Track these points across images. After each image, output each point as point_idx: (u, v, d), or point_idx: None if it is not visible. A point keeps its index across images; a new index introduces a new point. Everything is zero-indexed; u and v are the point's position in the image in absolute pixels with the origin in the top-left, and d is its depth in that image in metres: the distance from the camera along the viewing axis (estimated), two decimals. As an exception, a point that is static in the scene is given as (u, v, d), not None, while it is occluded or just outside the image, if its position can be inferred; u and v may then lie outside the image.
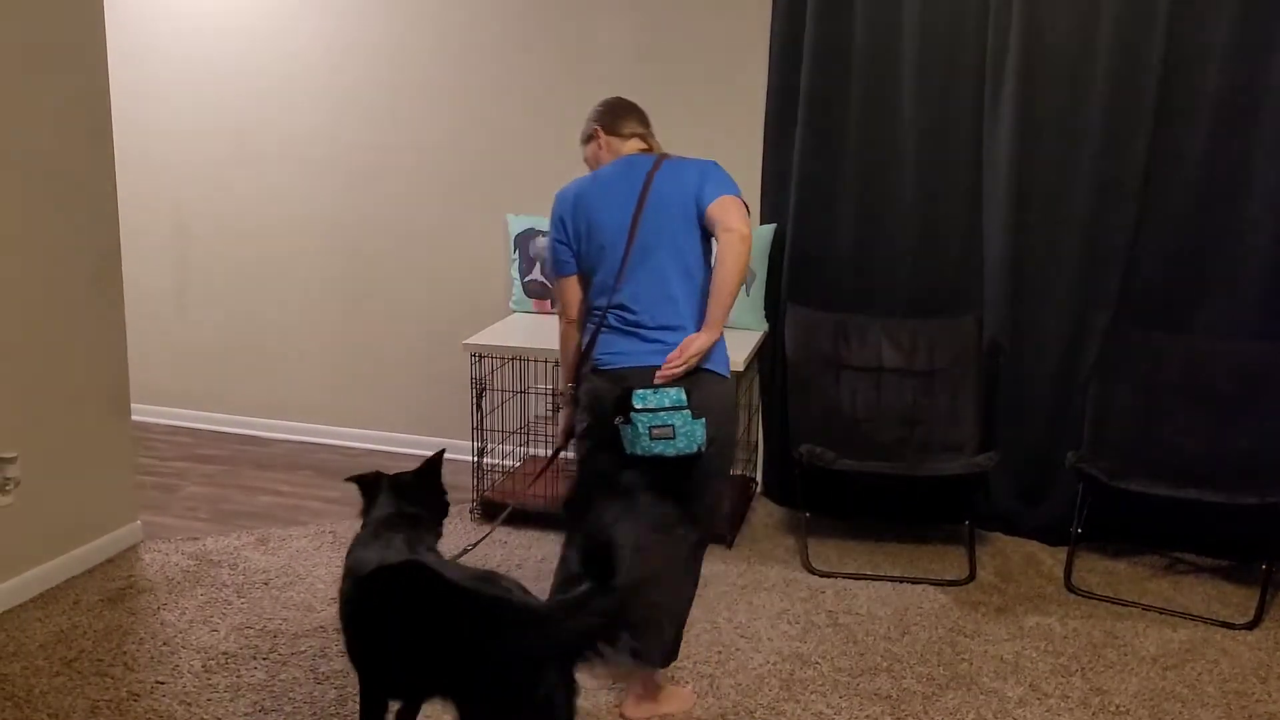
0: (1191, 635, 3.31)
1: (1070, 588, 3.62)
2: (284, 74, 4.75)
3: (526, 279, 4.40)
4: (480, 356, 4.02)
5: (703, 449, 2.62)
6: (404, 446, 4.83)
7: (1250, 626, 3.36)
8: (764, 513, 4.26)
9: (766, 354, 4.26)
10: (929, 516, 4.07)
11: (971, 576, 3.69)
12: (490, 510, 4.08)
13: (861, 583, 3.66)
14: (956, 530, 3.95)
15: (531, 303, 4.42)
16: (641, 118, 2.91)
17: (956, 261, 4.04)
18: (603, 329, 2.73)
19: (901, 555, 3.86)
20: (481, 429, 4.07)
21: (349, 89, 4.68)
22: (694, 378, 2.64)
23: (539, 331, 4.16)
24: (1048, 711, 2.87)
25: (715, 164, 2.80)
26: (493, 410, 4.21)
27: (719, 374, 2.72)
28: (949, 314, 4.05)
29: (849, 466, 3.69)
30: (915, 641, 3.25)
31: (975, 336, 3.99)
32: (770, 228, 4.18)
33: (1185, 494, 3.45)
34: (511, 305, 4.47)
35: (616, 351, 2.71)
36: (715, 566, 3.74)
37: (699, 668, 3.07)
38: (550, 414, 4.59)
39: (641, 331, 2.69)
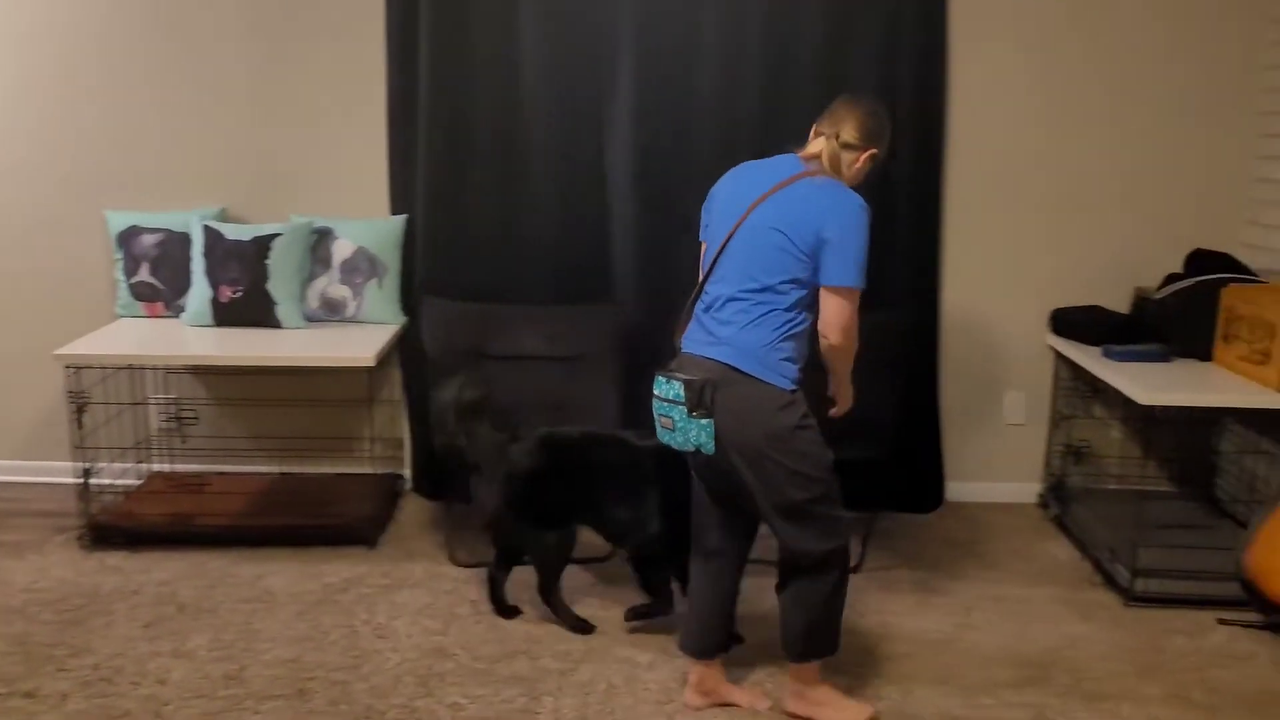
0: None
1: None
2: None
3: (133, 280, 4.06)
4: (79, 368, 3.66)
5: (703, 450, 2.59)
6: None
7: (856, 569, 3.69)
8: (413, 509, 4.20)
9: (407, 348, 4.19)
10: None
11: (613, 552, 3.81)
12: (102, 535, 3.73)
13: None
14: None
15: (141, 306, 4.08)
16: (836, 116, 2.68)
17: (594, 251, 4.13)
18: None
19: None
20: (85, 448, 3.72)
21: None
22: (722, 375, 2.58)
23: (151, 338, 3.85)
24: (675, 670, 3.02)
25: (856, 212, 2.56)
26: (100, 426, 3.86)
27: (745, 373, 2.57)
28: (591, 300, 4.14)
29: (488, 455, 3.70)
30: (554, 621, 3.32)
31: (615, 323, 4.11)
32: (401, 219, 4.11)
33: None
34: (118, 310, 4.10)
35: (687, 336, 2.75)
36: (357, 568, 3.64)
37: (331, 675, 2.97)
38: (173, 425, 4.28)
39: (706, 322, 2.68)
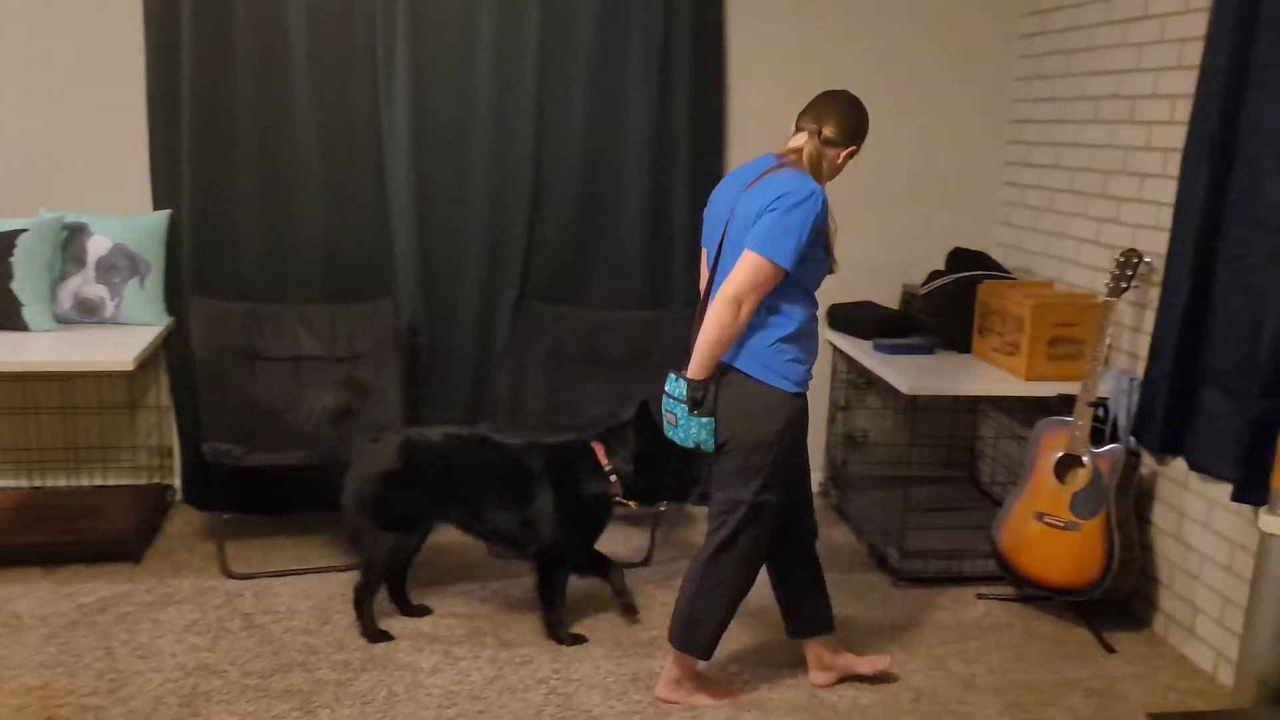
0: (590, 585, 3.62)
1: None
2: None
3: None
4: None
5: (703, 447, 2.64)
6: None
7: (645, 563, 3.76)
8: (183, 521, 3.97)
9: (175, 350, 3.96)
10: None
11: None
12: None
13: (285, 579, 3.54)
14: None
15: None
16: (818, 112, 2.73)
17: (369, 246, 4.04)
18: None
19: (330, 545, 3.80)
20: None
21: None
22: (723, 375, 2.62)
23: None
24: (459, 674, 2.97)
25: (787, 197, 2.55)
26: None
27: (744, 373, 2.62)
28: (366, 298, 4.04)
29: (261, 461, 3.54)
30: (335, 630, 3.21)
31: (393, 319, 4.02)
32: (164, 214, 3.87)
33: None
34: None
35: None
36: (117, 586, 3.42)
37: (84, 701, 2.77)
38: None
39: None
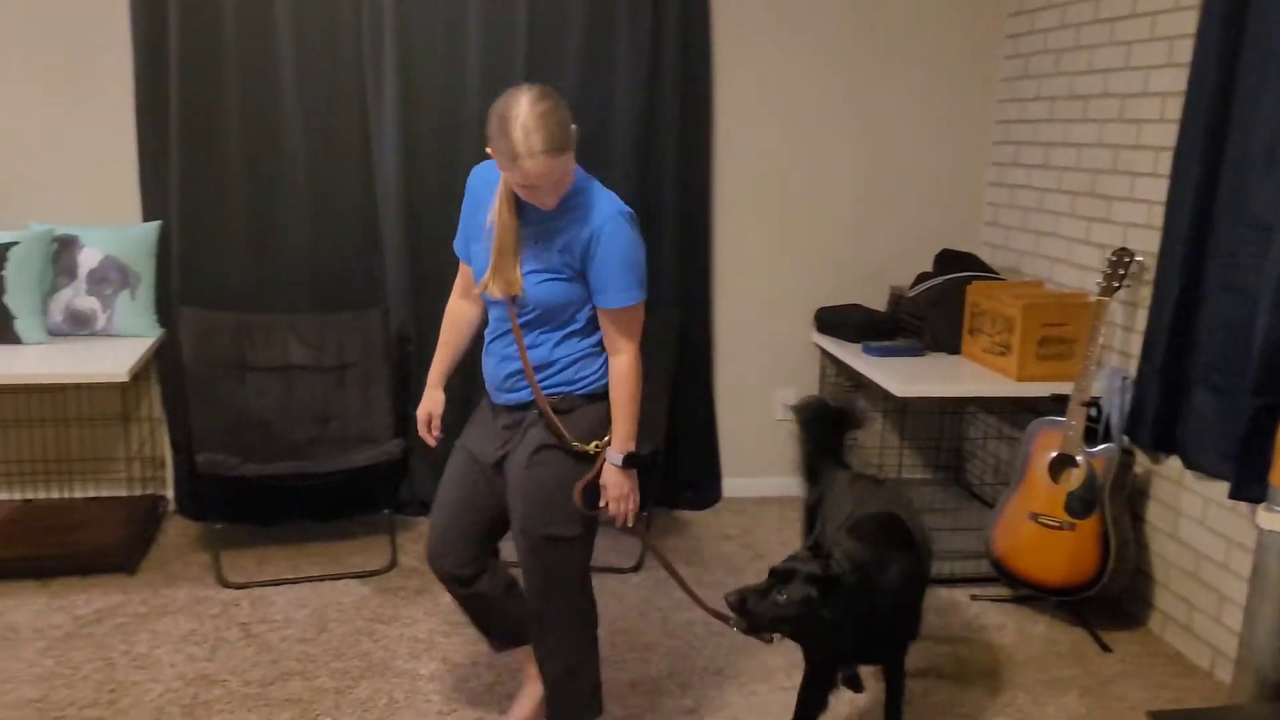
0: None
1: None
2: None
3: None
4: None
5: None
6: None
7: (636, 569, 3.76)
8: (176, 531, 3.96)
9: (167, 361, 3.95)
10: (350, 510, 4.05)
11: (393, 564, 3.73)
12: None
13: (280, 588, 3.54)
14: (379, 520, 3.95)
15: None
16: None
17: (358, 256, 4.04)
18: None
19: (324, 553, 3.80)
20: None
21: None
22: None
23: None
24: (459, 680, 2.98)
25: None
26: None
27: None
28: (356, 307, 4.04)
29: (253, 471, 3.54)
30: (332, 638, 3.20)
31: (383, 328, 4.02)
32: (154, 225, 3.87)
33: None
34: None
35: None
36: (112, 598, 3.41)
37: (84, 713, 2.76)
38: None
39: None
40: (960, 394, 3.70)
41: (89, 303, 3.78)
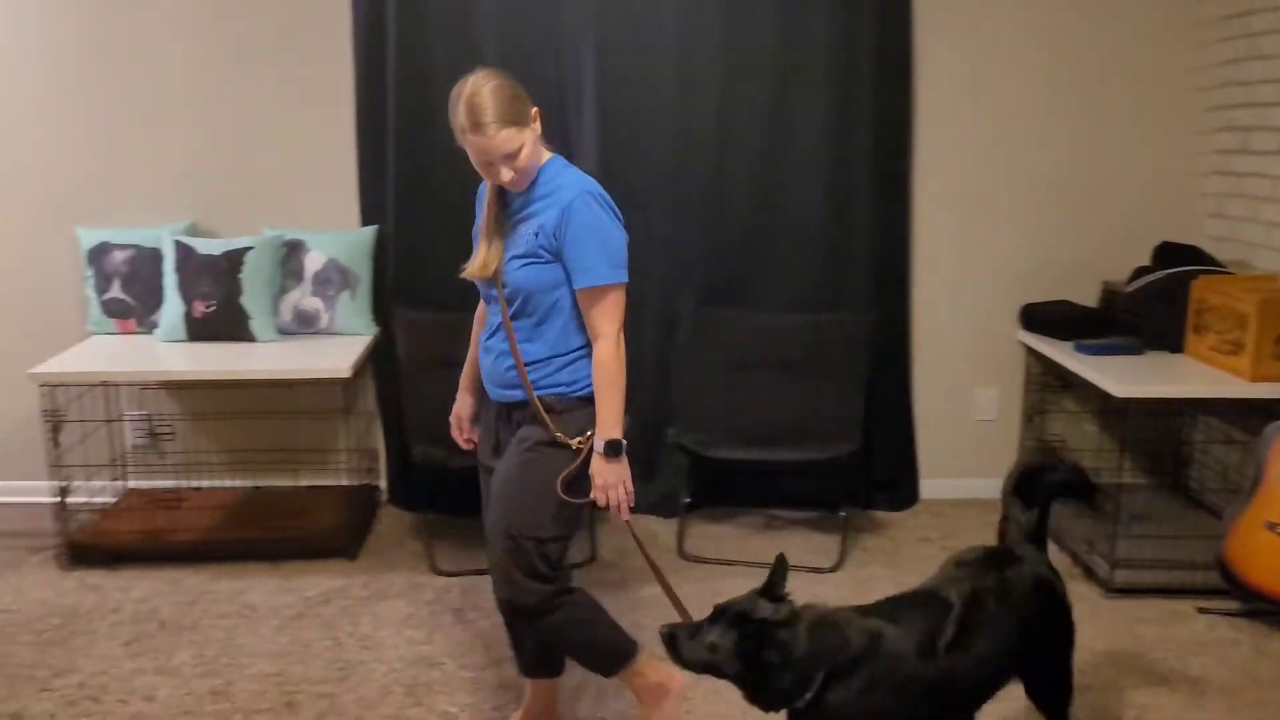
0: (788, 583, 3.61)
1: (683, 555, 3.85)
2: None
3: (105, 297, 4.01)
4: (54, 386, 3.61)
5: None
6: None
7: (835, 569, 3.73)
8: (390, 520, 4.17)
9: (380, 359, 4.16)
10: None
11: (593, 557, 3.81)
12: (79, 554, 3.69)
13: (487, 578, 3.65)
14: (578, 514, 4.06)
15: (113, 323, 4.03)
16: None
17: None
18: None
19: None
20: (61, 466, 3.66)
21: None
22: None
23: (124, 354, 3.80)
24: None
25: None
26: (76, 444, 3.81)
27: None
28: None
29: (463, 464, 3.67)
30: (540, 627, 3.31)
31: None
32: (372, 230, 4.09)
33: (768, 455, 3.79)
34: (90, 328, 4.05)
35: None
36: (336, 581, 3.61)
37: (318, 688, 2.94)
38: (148, 441, 4.23)
39: None
40: (1187, 395, 3.48)
41: (314, 303, 4.03)
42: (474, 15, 3.95)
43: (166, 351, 3.85)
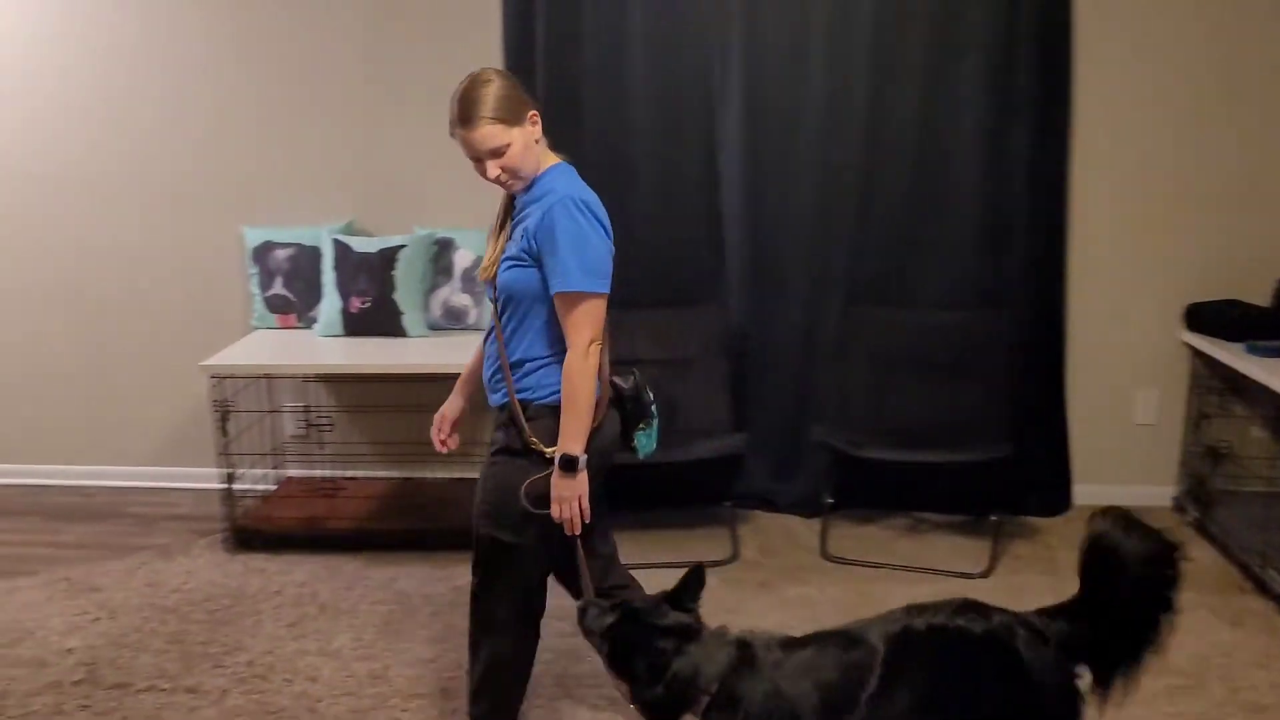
0: (935, 588, 3.53)
1: (826, 556, 3.81)
2: (-23, 84, 4.34)
3: (268, 294, 4.20)
4: (222, 378, 3.80)
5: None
6: (145, 480, 4.52)
7: (985, 575, 3.63)
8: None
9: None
10: (689, 501, 4.18)
11: (735, 556, 3.81)
12: (244, 538, 3.87)
13: (638, 573, 3.68)
14: (719, 512, 4.06)
15: (275, 318, 4.22)
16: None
17: (699, 251, 4.16)
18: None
19: (668, 541, 3.93)
20: (229, 454, 3.85)
21: (57, 95, 4.32)
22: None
23: (285, 348, 3.98)
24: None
25: None
26: (240, 433, 3.99)
27: None
28: (696, 302, 4.16)
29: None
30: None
31: (722, 323, 4.12)
32: (519, 228, 4.17)
33: (917, 457, 3.71)
34: (253, 322, 4.25)
35: None
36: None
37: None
38: (306, 431, 4.41)
39: None
40: (1369, 400, 3.29)
41: (462, 299, 4.13)
42: (623, 17, 3.98)
43: (324, 345, 4.01)
